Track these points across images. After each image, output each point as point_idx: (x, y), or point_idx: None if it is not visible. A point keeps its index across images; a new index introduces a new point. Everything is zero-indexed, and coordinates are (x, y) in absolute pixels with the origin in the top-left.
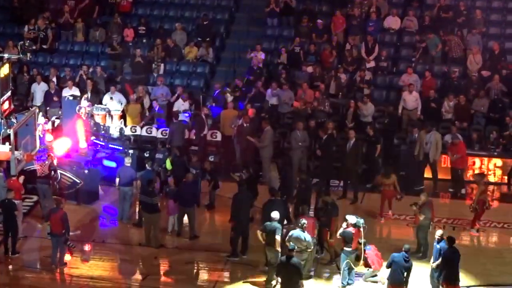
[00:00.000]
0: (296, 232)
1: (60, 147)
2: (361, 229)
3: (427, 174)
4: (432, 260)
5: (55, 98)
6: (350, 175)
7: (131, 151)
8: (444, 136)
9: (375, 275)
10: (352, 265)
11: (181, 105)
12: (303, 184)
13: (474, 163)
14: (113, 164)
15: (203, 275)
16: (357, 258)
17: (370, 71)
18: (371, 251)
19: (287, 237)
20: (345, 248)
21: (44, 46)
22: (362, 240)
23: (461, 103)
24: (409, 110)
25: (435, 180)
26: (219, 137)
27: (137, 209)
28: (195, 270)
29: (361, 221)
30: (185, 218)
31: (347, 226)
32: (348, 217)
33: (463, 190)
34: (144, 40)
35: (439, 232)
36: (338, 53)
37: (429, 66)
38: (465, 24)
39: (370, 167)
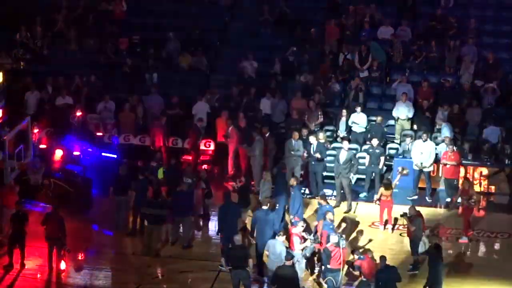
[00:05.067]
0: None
1: (54, 155)
2: (340, 250)
3: (421, 183)
4: None
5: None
6: (344, 185)
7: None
8: (437, 146)
9: (369, 284)
10: (335, 282)
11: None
12: (292, 192)
13: (459, 172)
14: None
15: (197, 284)
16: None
17: (363, 81)
18: (364, 261)
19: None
20: (327, 266)
21: (39, 52)
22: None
23: (454, 112)
24: (402, 120)
25: (429, 190)
26: (212, 146)
27: (131, 219)
28: (188, 279)
29: (343, 242)
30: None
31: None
32: (331, 236)
33: (459, 199)
34: (138, 49)
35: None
36: (332, 62)
37: (424, 75)
38: (457, 34)
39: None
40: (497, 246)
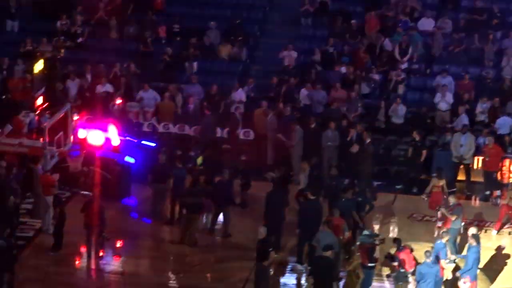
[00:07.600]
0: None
1: (95, 140)
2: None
3: (460, 176)
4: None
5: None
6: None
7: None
8: (477, 138)
9: (406, 276)
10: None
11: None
12: (332, 181)
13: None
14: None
15: (234, 273)
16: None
17: (404, 72)
18: (403, 252)
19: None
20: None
21: (80, 40)
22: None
23: (495, 106)
24: (443, 112)
25: (468, 182)
26: (251, 136)
27: (169, 207)
28: (226, 268)
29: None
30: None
31: None
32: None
33: (497, 192)
34: (178, 38)
35: (473, 230)
36: (372, 54)
37: (465, 68)
38: (499, 26)
39: (415, 172)
40: None
